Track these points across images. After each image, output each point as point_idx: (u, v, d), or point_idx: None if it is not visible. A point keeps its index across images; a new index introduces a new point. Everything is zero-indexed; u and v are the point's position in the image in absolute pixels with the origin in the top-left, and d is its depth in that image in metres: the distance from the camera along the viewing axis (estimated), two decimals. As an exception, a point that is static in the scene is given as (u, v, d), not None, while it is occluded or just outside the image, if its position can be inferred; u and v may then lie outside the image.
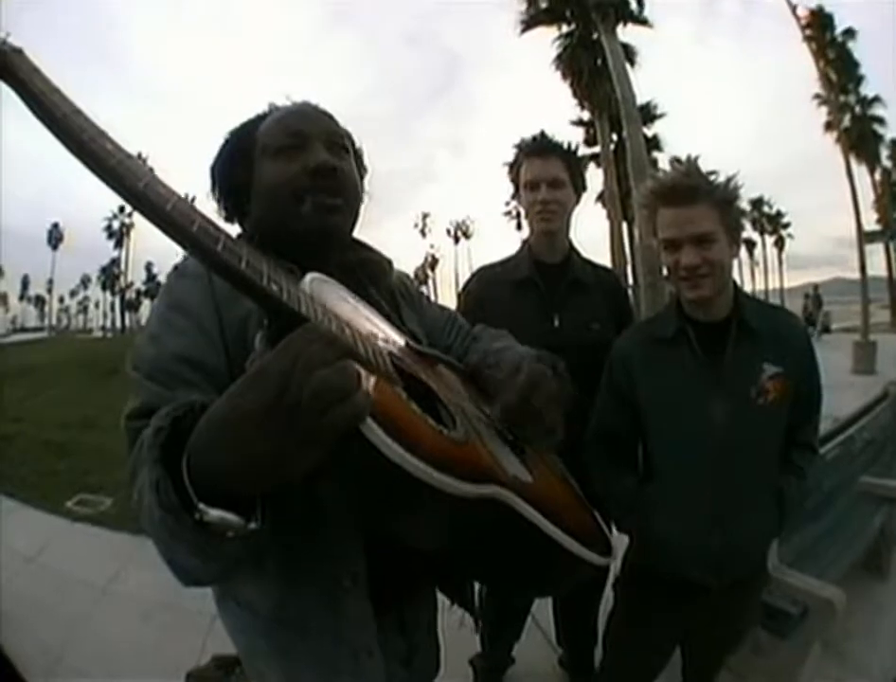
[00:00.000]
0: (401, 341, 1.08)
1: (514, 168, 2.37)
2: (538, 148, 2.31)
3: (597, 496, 1.62)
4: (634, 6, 20.38)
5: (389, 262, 1.37)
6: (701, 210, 1.62)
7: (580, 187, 2.38)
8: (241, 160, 1.21)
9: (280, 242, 1.12)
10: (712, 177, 1.66)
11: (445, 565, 1.13)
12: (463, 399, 1.09)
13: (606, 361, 1.92)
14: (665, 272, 1.82)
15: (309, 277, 0.89)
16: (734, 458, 1.67)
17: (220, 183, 1.25)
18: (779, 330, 1.75)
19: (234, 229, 1.28)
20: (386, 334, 1.04)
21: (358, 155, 1.33)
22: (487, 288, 2.35)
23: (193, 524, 0.66)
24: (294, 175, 1.13)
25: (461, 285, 2.57)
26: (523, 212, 2.38)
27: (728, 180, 1.68)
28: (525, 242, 2.43)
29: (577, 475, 1.33)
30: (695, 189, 1.63)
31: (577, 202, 2.38)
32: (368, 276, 1.29)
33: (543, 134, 2.35)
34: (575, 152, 2.37)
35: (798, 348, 1.77)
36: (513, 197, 2.47)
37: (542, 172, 2.27)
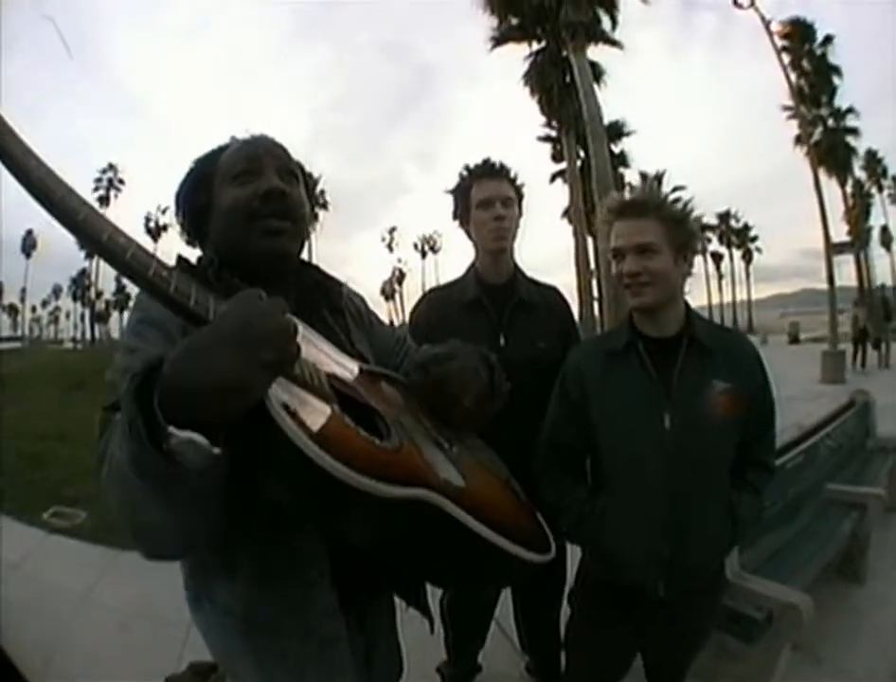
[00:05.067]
0: (344, 361, 1.17)
1: (462, 191, 2.43)
2: (490, 170, 2.38)
3: (549, 507, 1.66)
4: (606, 24, 20.43)
5: (339, 284, 1.47)
6: (647, 223, 1.71)
7: (521, 211, 2.45)
8: (202, 185, 1.32)
9: (237, 263, 1.24)
10: (665, 196, 1.75)
11: (392, 562, 1.19)
12: (402, 412, 1.18)
13: (559, 373, 1.96)
14: None
15: None
16: (682, 472, 1.71)
17: (183, 207, 1.36)
18: (730, 348, 1.80)
19: (195, 253, 1.37)
20: (329, 355, 1.12)
21: (308, 185, 1.43)
22: (436, 309, 2.41)
23: (161, 454, 0.75)
24: (247, 199, 1.24)
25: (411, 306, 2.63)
26: (473, 233, 2.42)
27: (679, 200, 1.76)
28: (471, 265, 2.49)
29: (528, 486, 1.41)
30: (644, 204, 1.73)
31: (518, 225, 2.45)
32: (323, 298, 1.40)
33: (489, 159, 2.41)
34: (516, 178, 2.43)
35: (749, 366, 1.82)
36: (458, 219, 2.50)
37: (496, 191, 2.33)
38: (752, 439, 1.84)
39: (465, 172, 2.43)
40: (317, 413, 0.88)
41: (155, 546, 0.94)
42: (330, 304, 1.41)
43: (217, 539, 1.00)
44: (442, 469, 1.07)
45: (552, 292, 2.55)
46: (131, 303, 1.31)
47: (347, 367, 1.14)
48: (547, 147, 29.79)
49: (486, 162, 2.39)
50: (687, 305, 1.83)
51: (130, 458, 0.77)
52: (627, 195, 1.77)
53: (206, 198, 1.30)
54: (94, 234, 0.76)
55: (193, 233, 1.37)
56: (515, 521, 1.22)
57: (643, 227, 1.71)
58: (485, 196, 2.33)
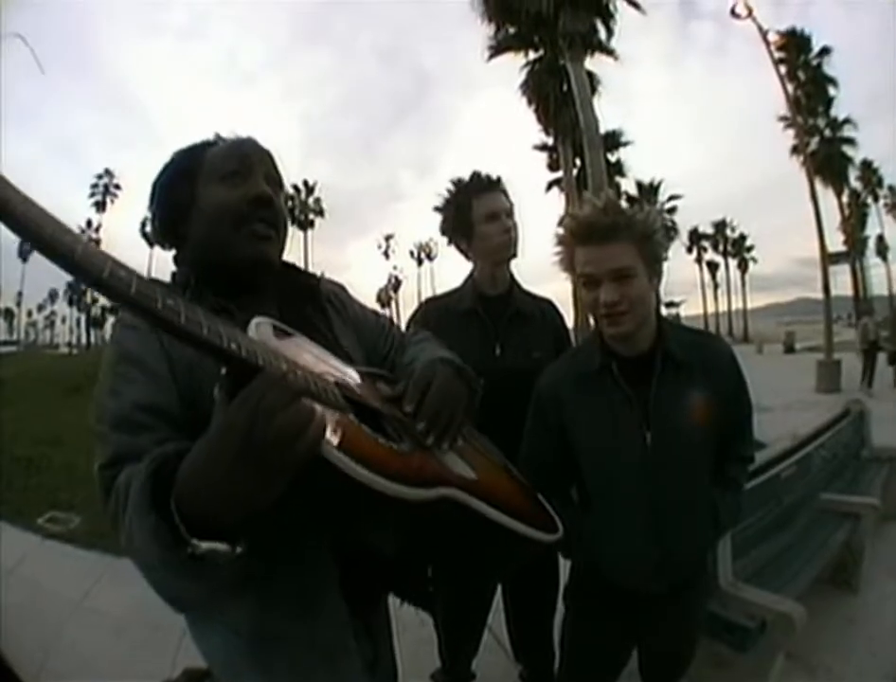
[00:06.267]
0: (341, 366, 1.15)
1: (460, 207, 2.39)
2: (489, 183, 2.38)
3: None
4: (602, 34, 20.47)
5: (318, 279, 1.44)
6: (619, 247, 1.62)
7: None
8: (185, 180, 1.26)
9: (216, 268, 1.21)
10: (630, 212, 1.66)
11: (414, 565, 1.22)
12: (403, 412, 1.16)
13: (532, 396, 1.92)
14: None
15: (254, 322, 0.97)
16: (667, 484, 1.70)
17: (161, 199, 1.30)
18: (704, 353, 1.77)
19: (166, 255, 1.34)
20: (328, 363, 1.11)
21: (282, 189, 1.38)
22: (433, 319, 2.40)
23: (188, 557, 0.76)
24: (235, 202, 1.21)
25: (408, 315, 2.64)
26: (477, 247, 2.40)
27: (647, 215, 1.67)
28: (469, 276, 2.50)
29: None
30: (613, 227, 1.62)
31: None
32: (304, 297, 1.37)
33: (481, 173, 2.40)
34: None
35: (724, 370, 1.79)
36: (452, 234, 2.48)
37: (499, 204, 2.35)
38: (731, 436, 1.83)
39: (456, 188, 2.43)
40: (339, 426, 0.86)
41: (186, 606, 0.98)
42: (312, 302, 1.39)
43: None
44: (453, 464, 1.08)
45: (547, 304, 2.57)
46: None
47: (347, 374, 1.13)
48: (544, 156, 29.92)
49: (481, 176, 2.39)
50: (658, 316, 1.79)
51: (159, 560, 0.78)
52: (588, 215, 1.66)
53: (188, 194, 1.25)
54: (93, 270, 0.66)
55: (168, 232, 1.31)
56: (524, 505, 1.25)
57: (617, 252, 1.62)
58: (490, 210, 2.33)
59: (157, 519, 0.77)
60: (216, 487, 0.75)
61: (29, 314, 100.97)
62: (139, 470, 0.84)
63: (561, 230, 1.75)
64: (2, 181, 0.63)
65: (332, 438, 0.80)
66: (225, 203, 1.21)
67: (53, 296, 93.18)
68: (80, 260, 0.64)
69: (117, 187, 62.06)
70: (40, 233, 0.62)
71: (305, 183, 58.69)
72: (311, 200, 59.11)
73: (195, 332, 0.74)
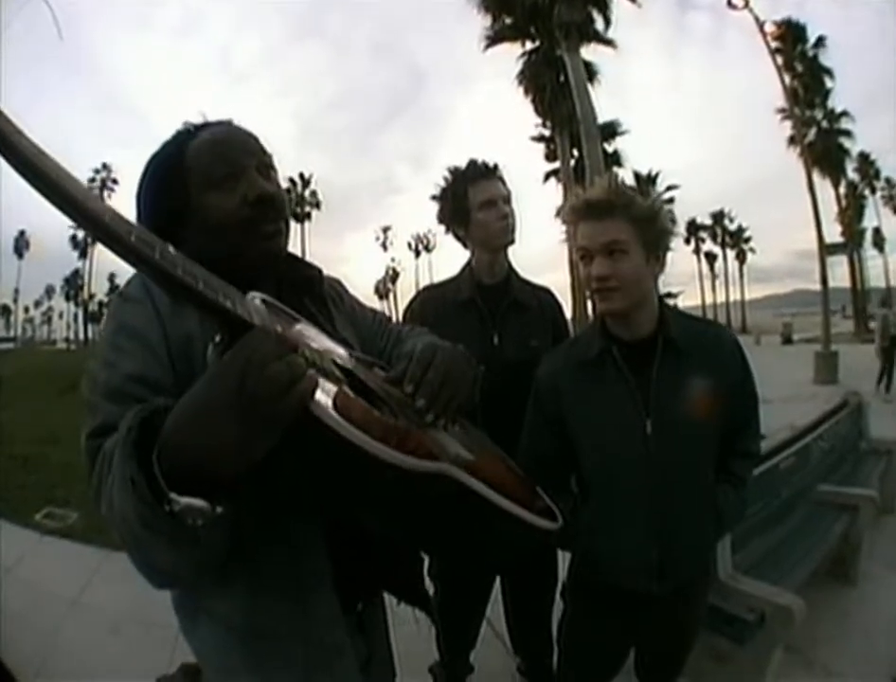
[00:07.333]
0: (338, 349, 1.13)
1: (456, 195, 2.38)
2: (486, 170, 2.37)
3: None
4: (600, 24, 20.44)
5: (320, 272, 1.40)
6: (614, 223, 1.63)
7: None
8: (175, 189, 1.18)
9: (219, 266, 1.14)
10: (632, 193, 1.66)
11: (402, 547, 1.22)
12: (398, 396, 1.13)
13: (532, 384, 1.90)
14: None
15: (249, 296, 0.94)
16: (668, 475, 1.67)
17: (152, 211, 1.21)
18: (707, 342, 1.76)
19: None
20: (326, 344, 1.09)
21: (275, 169, 1.30)
22: (430, 308, 2.39)
23: (166, 514, 0.74)
24: (237, 207, 1.15)
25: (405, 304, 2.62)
26: (475, 234, 2.38)
27: (651, 200, 1.68)
28: (467, 265, 2.49)
29: None
30: (611, 204, 1.63)
31: None
32: (302, 288, 1.34)
33: (476, 160, 2.39)
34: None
35: (727, 359, 1.78)
36: (449, 222, 2.47)
37: (496, 191, 2.33)
38: (736, 429, 1.81)
39: (452, 176, 2.41)
40: (333, 391, 0.85)
41: (166, 581, 0.97)
42: (310, 292, 1.35)
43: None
44: (450, 445, 1.05)
45: (545, 292, 2.56)
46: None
47: (342, 356, 1.11)
48: (541, 146, 29.88)
49: (477, 163, 2.38)
50: (661, 302, 1.78)
51: (136, 516, 0.76)
52: (589, 193, 1.68)
53: (182, 201, 1.18)
54: (97, 216, 0.67)
55: (165, 237, 1.21)
56: (523, 493, 1.22)
57: (611, 227, 1.63)
58: (487, 197, 2.32)
59: (138, 470, 0.75)
60: (203, 438, 0.75)
61: (26, 310, 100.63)
62: (126, 419, 0.82)
63: (567, 208, 1.76)
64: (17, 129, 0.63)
65: (325, 399, 0.79)
66: (227, 210, 1.16)
67: (50, 291, 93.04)
68: (88, 206, 0.66)
69: (115, 181, 61.87)
70: (50, 179, 0.63)
71: (301, 176, 58.53)
72: (307, 193, 59.00)
73: (190, 285, 0.74)
